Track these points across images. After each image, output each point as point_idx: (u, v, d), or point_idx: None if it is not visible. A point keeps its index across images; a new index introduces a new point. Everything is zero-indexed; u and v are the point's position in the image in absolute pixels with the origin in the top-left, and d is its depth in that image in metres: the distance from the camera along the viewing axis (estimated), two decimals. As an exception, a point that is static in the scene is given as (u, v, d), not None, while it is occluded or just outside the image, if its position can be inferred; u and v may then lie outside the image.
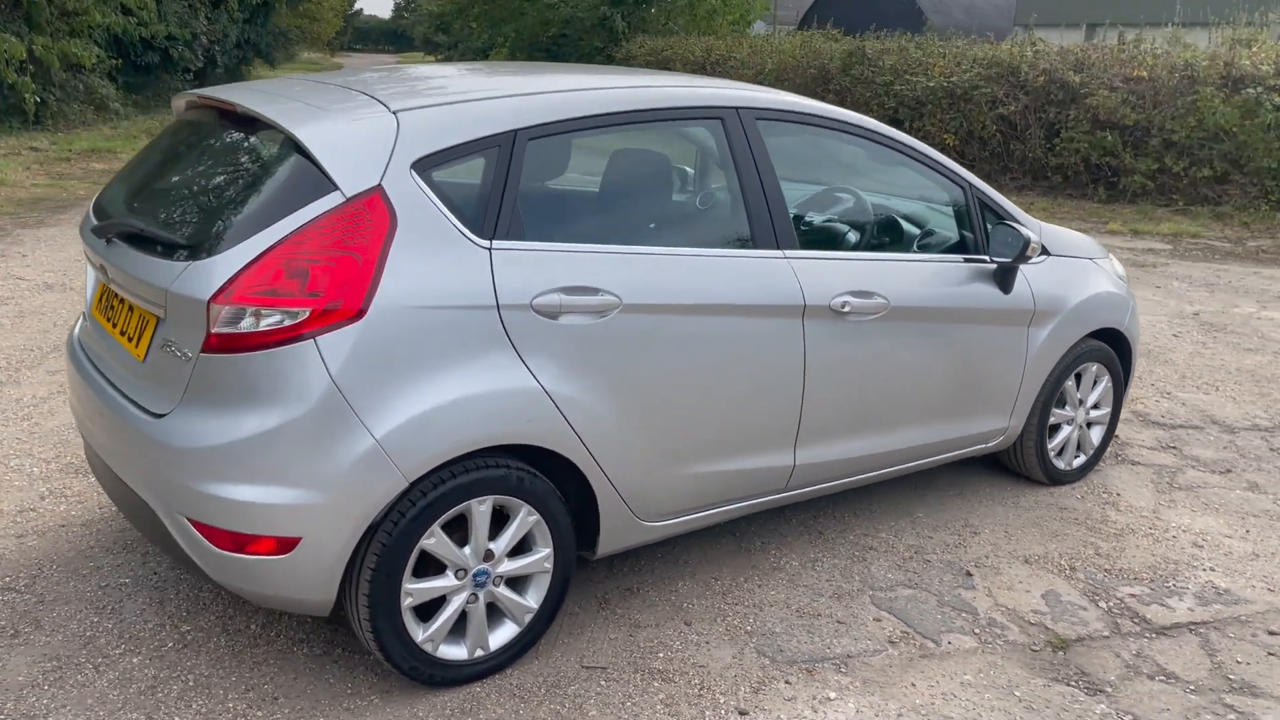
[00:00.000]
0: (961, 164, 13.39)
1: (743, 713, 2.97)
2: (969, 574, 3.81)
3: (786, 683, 3.12)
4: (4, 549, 3.71)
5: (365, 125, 2.88)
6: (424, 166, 2.87)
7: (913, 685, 3.14)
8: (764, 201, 3.46)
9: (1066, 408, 4.50)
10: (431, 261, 2.81)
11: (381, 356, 2.73)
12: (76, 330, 3.57)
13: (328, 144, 2.80)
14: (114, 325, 3.16)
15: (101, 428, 3.12)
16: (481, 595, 3.03)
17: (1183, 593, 3.74)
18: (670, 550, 3.87)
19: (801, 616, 3.48)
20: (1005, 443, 4.36)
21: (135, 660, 3.12)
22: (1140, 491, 4.60)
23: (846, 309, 3.55)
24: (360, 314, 2.70)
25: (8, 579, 3.52)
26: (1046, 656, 3.32)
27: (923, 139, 13.55)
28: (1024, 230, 3.86)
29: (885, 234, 4.04)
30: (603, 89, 3.33)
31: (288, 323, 2.66)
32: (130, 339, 3.04)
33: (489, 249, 2.91)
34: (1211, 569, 3.91)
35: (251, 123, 3.11)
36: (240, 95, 3.18)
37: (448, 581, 2.97)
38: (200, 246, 2.78)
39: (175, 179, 3.26)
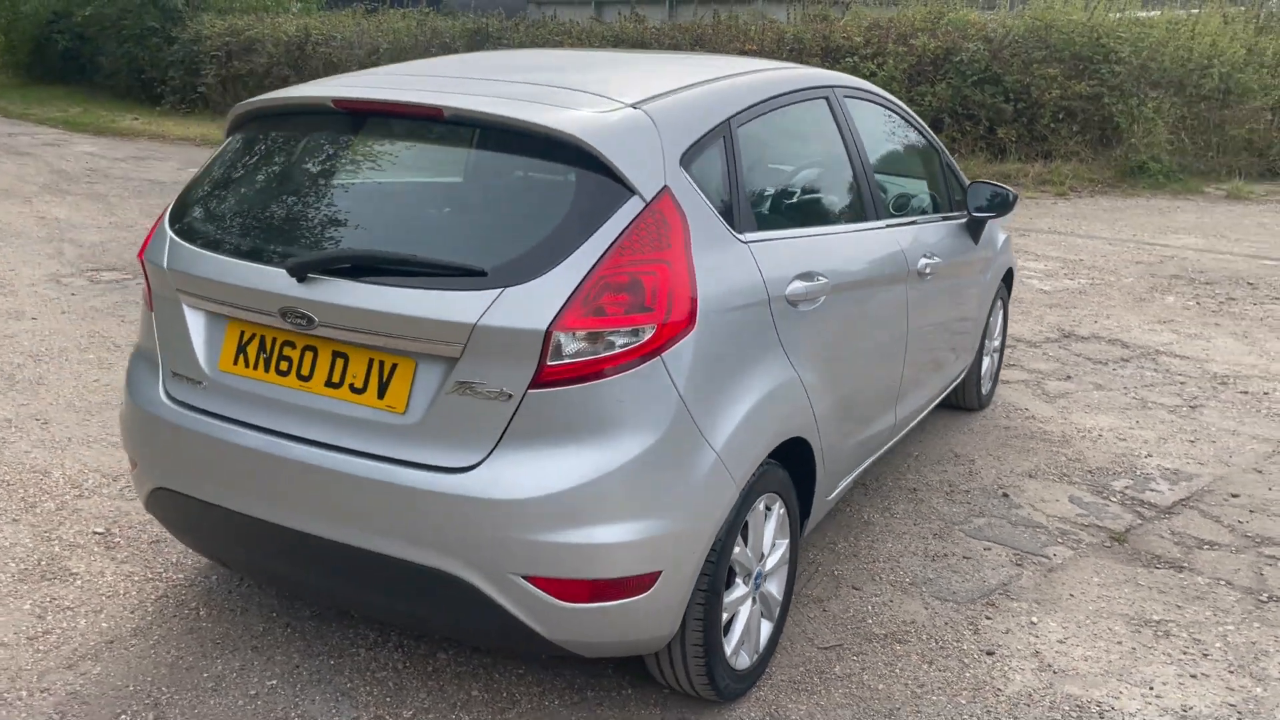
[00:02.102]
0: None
1: (989, 652, 3.21)
2: (1006, 495, 4.31)
3: (986, 619, 3.39)
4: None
5: (629, 122, 2.67)
6: (686, 162, 2.73)
7: (1071, 596, 3.55)
8: (865, 174, 3.65)
9: (987, 339, 5.15)
10: (716, 260, 2.70)
11: (708, 365, 2.61)
12: (168, 392, 2.88)
13: (616, 145, 2.57)
14: (301, 378, 2.65)
15: (304, 494, 2.61)
16: (755, 597, 2.98)
17: (1151, 478, 4.51)
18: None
19: (935, 560, 3.76)
20: (961, 377, 4.91)
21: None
22: (1035, 404, 5.38)
23: (927, 271, 3.85)
24: (691, 324, 2.55)
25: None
26: (1120, 549, 3.89)
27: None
28: (1003, 187, 4.38)
29: (905, 198, 4.38)
30: (760, 71, 3.33)
31: (634, 343, 2.45)
32: (355, 389, 2.58)
33: (747, 243, 2.84)
34: (1148, 456, 4.74)
35: (446, 123, 2.71)
36: (444, 96, 2.74)
37: (743, 589, 2.89)
38: (504, 271, 2.44)
39: (375, 195, 2.78)
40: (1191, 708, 2.96)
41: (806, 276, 3.02)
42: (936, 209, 4.38)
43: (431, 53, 15.69)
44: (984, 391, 5.20)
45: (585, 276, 2.42)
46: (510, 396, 2.43)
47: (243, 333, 2.76)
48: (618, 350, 2.43)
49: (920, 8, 14.30)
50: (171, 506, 2.93)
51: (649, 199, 2.56)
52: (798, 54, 13.59)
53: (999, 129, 13.04)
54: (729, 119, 2.95)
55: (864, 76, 13.08)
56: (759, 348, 2.81)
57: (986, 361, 5.18)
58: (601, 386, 2.43)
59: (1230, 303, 7.40)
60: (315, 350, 2.64)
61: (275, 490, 2.67)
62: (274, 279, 2.61)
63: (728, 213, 2.82)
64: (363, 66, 15.74)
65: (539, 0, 30.64)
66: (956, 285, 4.35)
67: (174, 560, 3.61)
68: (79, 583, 3.46)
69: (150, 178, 11.99)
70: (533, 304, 2.40)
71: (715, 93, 3.00)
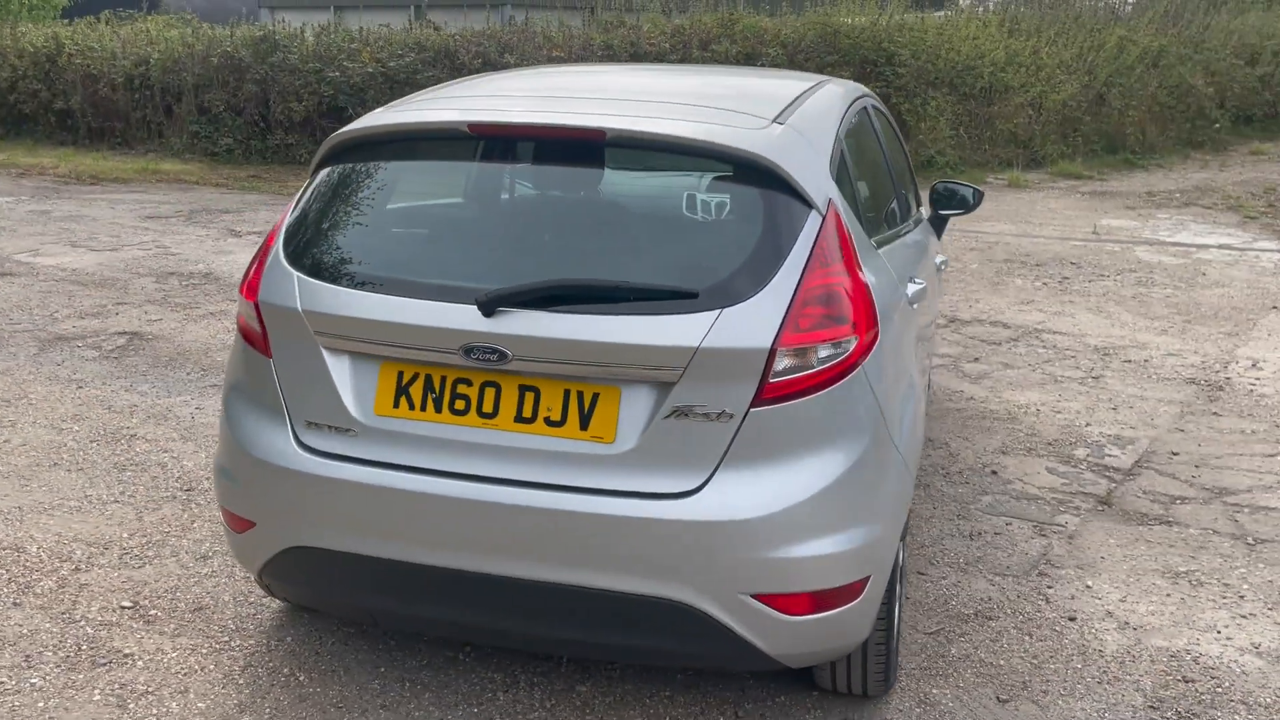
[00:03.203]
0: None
1: (1071, 618, 3.48)
2: (995, 473, 4.63)
3: (1049, 588, 3.67)
4: None
5: (791, 138, 2.72)
6: (831, 173, 2.81)
7: (1102, 559, 3.89)
8: (894, 180, 3.84)
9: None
10: (871, 267, 2.80)
11: (887, 371, 2.70)
12: (302, 442, 2.66)
13: (791, 161, 2.61)
14: (484, 415, 2.54)
15: (500, 535, 2.50)
16: (897, 591, 3.10)
17: (1102, 445, 4.96)
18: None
19: (973, 539, 4.00)
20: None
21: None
22: (964, 385, 5.79)
23: (942, 267, 4.09)
24: (877, 332, 2.63)
25: None
26: (1112, 512, 4.28)
27: (375, 124, 13.60)
28: (967, 185, 4.70)
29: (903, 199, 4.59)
30: (822, 84, 3.42)
31: (840, 355, 2.51)
32: (551, 422, 2.50)
33: (878, 249, 2.96)
34: (1088, 425, 5.21)
35: (604, 144, 2.66)
36: (597, 118, 2.67)
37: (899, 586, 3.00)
38: (715, 292, 2.44)
39: (537, 221, 2.67)
40: (1259, 644, 3.32)
41: (913, 280, 3.17)
42: (910, 209, 4.64)
43: (211, 63, 14.78)
44: (930, 379, 5.54)
45: (794, 292, 2.46)
46: (731, 417, 2.43)
47: (401, 374, 2.60)
48: (830, 364, 2.48)
49: (712, 15, 14.81)
50: (309, 565, 2.71)
51: (824, 212, 2.62)
52: (609, 60, 13.76)
53: (802, 129, 13.71)
54: (838, 132, 3.04)
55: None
56: (907, 350, 2.93)
57: (927, 350, 5.52)
58: (816, 400, 2.47)
59: (1067, 282, 8.17)
60: (498, 386, 2.53)
61: (461, 534, 2.54)
62: (454, 315, 2.49)
63: (860, 222, 2.92)
64: (130, 78, 14.62)
65: (271, 5, 29.44)
66: (936, 278, 4.63)
67: (232, 627, 3.32)
68: (141, 664, 3.12)
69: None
70: (753, 323, 2.42)
71: (819, 107, 3.09)
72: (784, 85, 3.29)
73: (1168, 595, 3.61)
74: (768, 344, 2.40)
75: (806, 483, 2.46)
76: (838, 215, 2.67)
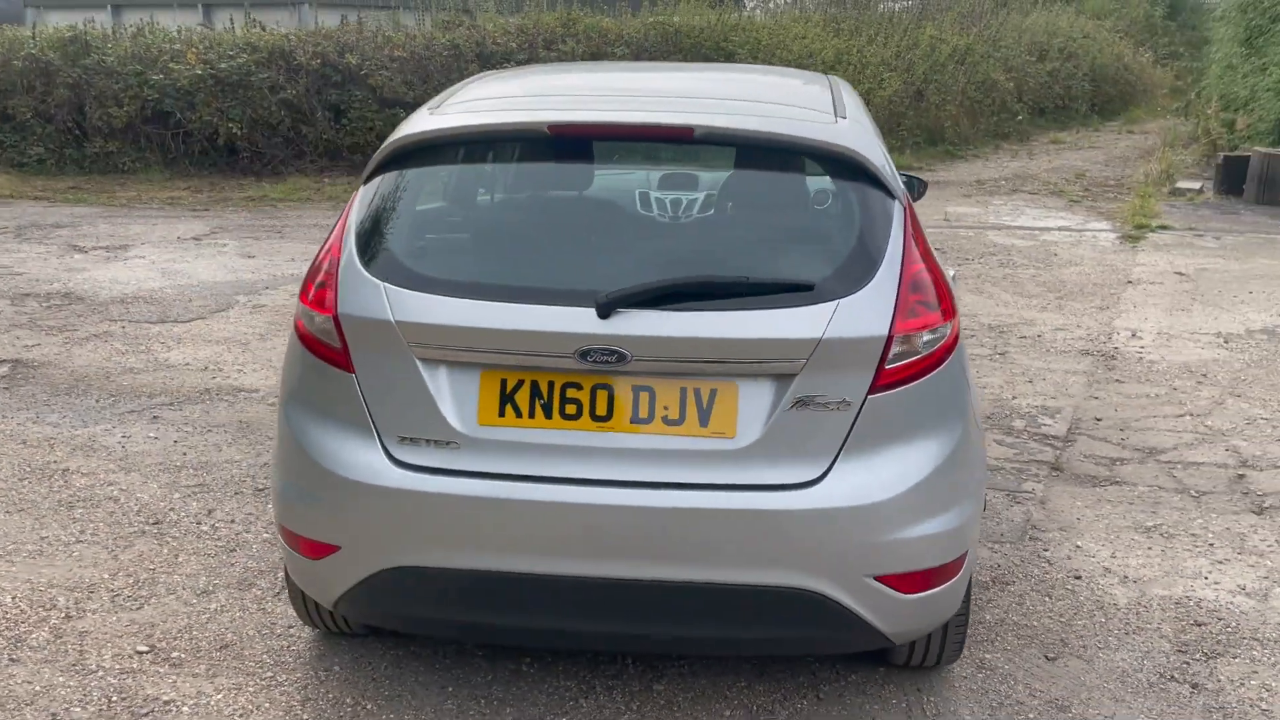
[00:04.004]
0: (253, 152, 13.19)
1: (1077, 577, 3.71)
2: (952, 448, 4.87)
3: (1045, 551, 3.90)
4: None
5: (862, 132, 2.80)
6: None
7: (1078, 520, 4.17)
8: None
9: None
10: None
11: (964, 353, 2.82)
12: (395, 458, 2.55)
13: (872, 154, 2.69)
14: (597, 419, 2.50)
15: (621, 538, 2.49)
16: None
17: (1035, 416, 5.30)
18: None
19: (960, 510, 4.21)
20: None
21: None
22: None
23: None
24: (958, 317, 2.75)
25: None
26: (1066, 475, 4.60)
27: (204, 129, 12.98)
28: (914, 175, 4.92)
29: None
30: (827, 76, 3.51)
31: (939, 339, 2.62)
32: (669, 421, 2.50)
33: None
34: (1015, 399, 5.55)
35: (692, 142, 2.67)
36: (682, 116, 2.66)
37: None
38: (829, 283, 2.50)
39: (633, 219, 2.62)
40: (1245, 585, 3.65)
41: (950, 264, 3.31)
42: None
43: (14, 67, 13.65)
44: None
45: (899, 281, 2.55)
46: (850, 405, 2.49)
47: (504, 382, 2.53)
48: (932, 350, 2.57)
49: (552, 14, 14.81)
50: (405, 586, 2.60)
51: (904, 203, 2.72)
52: (455, 59, 13.54)
53: (650, 127, 13.89)
54: (874, 124, 3.15)
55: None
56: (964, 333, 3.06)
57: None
58: (922, 385, 2.57)
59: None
60: (610, 388, 2.50)
61: (580, 540, 2.50)
62: (568, 318, 2.44)
63: None
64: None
65: (36, 4, 27.49)
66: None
67: (269, 661, 3.14)
68: (187, 709, 2.91)
69: None
70: (869, 312, 2.49)
71: (853, 101, 3.18)
72: (806, 81, 3.37)
73: (1149, 549, 3.91)
74: (884, 332, 2.48)
75: (919, 465, 2.55)
76: (910, 205, 2.77)
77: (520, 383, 2.52)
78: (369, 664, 3.13)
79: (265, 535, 3.90)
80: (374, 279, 2.57)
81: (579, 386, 2.51)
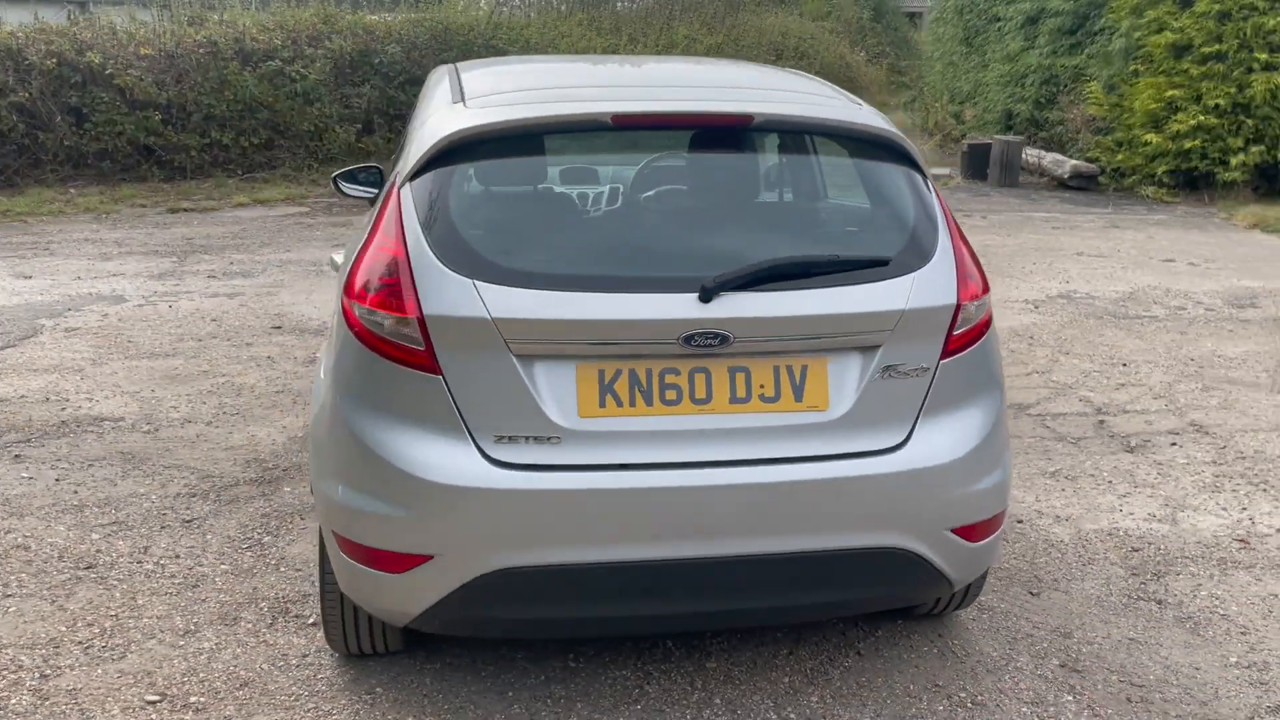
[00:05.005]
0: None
1: (1019, 520, 4.08)
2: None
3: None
4: None
5: (884, 119, 2.97)
6: None
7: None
8: None
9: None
10: None
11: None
12: (492, 458, 2.48)
13: (909, 139, 2.87)
14: (697, 402, 2.55)
15: (728, 517, 2.55)
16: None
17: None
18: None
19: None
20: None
21: None
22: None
23: None
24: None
25: None
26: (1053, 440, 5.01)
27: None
28: None
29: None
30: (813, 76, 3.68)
31: (984, 310, 2.84)
32: (766, 399, 2.58)
33: None
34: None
35: (751, 129, 2.75)
36: (741, 105, 2.71)
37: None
38: (902, 258, 2.66)
39: (702, 204, 2.64)
40: (1153, 513, 4.15)
41: None
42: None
43: None
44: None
45: (954, 254, 2.75)
46: (926, 370, 2.67)
47: (602, 373, 2.52)
48: (981, 317, 2.79)
49: (308, 9, 14.22)
50: (507, 588, 2.53)
51: (932, 184, 2.92)
52: (213, 58, 12.70)
53: (427, 127, 13.64)
54: None
55: (294, 80, 12.79)
56: None
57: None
58: (976, 350, 2.78)
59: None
60: (707, 371, 2.55)
61: (687, 523, 2.53)
62: (672, 305, 2.47)
63: None
64: None
65: None
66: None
67: (303, 692, 2.95)
68: (240, 755, 2.69)
69: None
70: (938, 283, 2.67)
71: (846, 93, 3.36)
72: (791, 73, 3.51)
73: (1063, 491, 4.35)
74: (953, 300, 2.66)
75: (980, 424, 2.76)
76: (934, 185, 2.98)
77: (619, 372, 2.52)
78: (411, 681, 3.00)
79: (224, 567, 3.62)
80: (461, 277, 2.48)
81: (677, 372, 2.53)
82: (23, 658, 3.07)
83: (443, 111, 2.80)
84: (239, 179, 12.77)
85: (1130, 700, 2.97)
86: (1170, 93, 11.55)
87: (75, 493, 4.20)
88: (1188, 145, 11.49)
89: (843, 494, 2.58)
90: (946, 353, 2.68)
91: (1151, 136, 11.68)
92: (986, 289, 2.81)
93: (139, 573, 3.58)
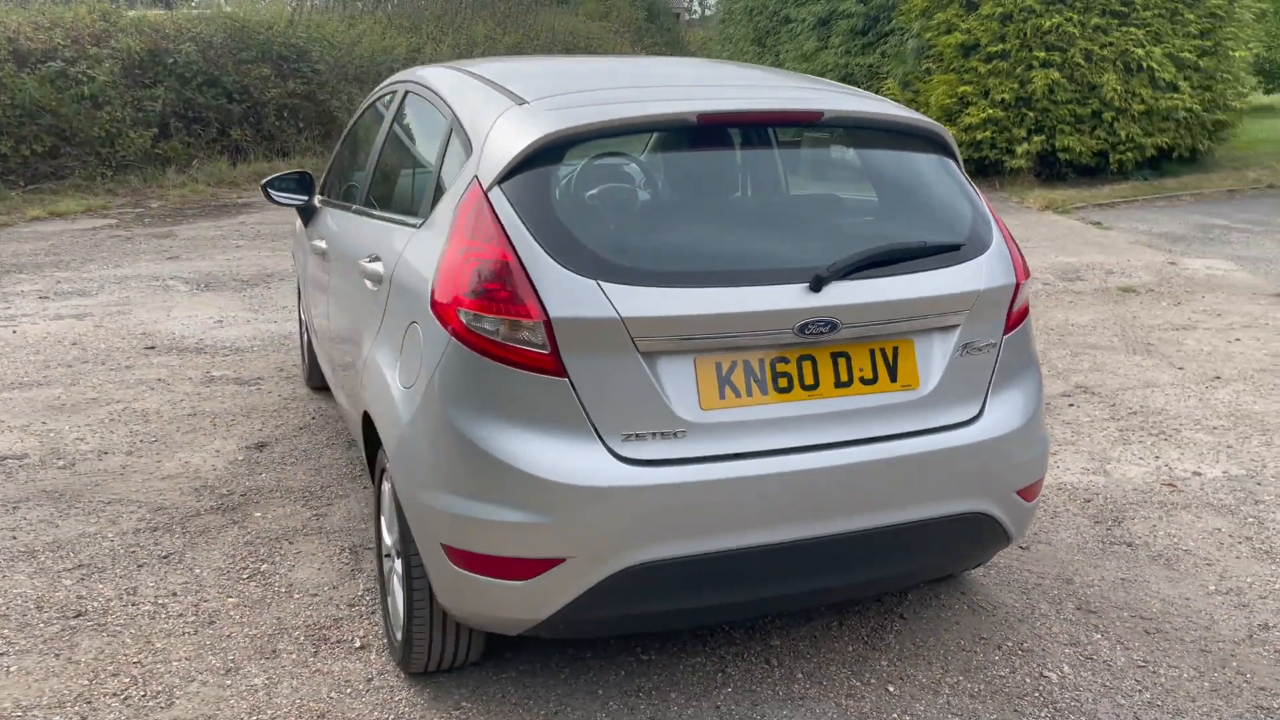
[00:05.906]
0: None
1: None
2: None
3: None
4: None
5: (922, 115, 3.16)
6: None
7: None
8: None
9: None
10: None
11: None
12: (621, 456, 2.49)
13: (950, 135, 3.08)
14: (806, 388, 2.65)
15: (841, 496, 2.67)
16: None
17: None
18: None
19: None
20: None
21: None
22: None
23: None
24: (1025, 270, 3.23)
25: None
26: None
27: None
28: None
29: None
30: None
31: (1028, 290, 3.08)
32: (865, 381, 2.72)
33: None
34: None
35: (820, 125, 2.86)
36: (811, 102, 2.80)
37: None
38: (971, 242, 2.86)
39: (789, 194, 2.70)
40: (1087, 467, 4.56)
41: None
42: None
43: None
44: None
45: (1005, 238, 2.98)
46: (993, 346, 2.88)
47: (719, 365, 2.58)
48: (1025, 296, 3.03)
49: (84, 6, 13.20)
50: (639, 583, 2.55)
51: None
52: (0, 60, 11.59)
53: (231, 130, 12.97)
54: None
55: (80, 83, 11.85)
56: None
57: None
58: (1025, 326, 3.02)
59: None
60: (813, 358, 2.65)
61: (803, 505, 2.63)
62: (786, 295, 2.56)
63: None
64: None
65: None
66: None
67: (383, 717, 2.84)
68: (357, 786, 2.57)
69: None
70: (1000, 264, 2.88)
71: None
72: (801, 75, 3.65)
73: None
74: (1014, 280, 2.88)
75: (1034, 393, 3.00)
76: (966, 174, 3.21)
77: (734, 364, 2.58)
78: (494, 691, 2.94)
79: (232, 600, 3.41)
80: (583, 278, 2.46)
81: (786, 360, 2.62)
82: (54, 718, 2.80)
83: (511, 113, 2.75)
84: (22, 191, 11.71)
85: (1149, 633, 3.30)
86: (962, 89, 12.52)
87: (14, 539, 3.82)
88: (979, 136, 12.49)
89: (934, 465, 2.75)
90: (1008, 328, 2.90)
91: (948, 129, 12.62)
92: (1027, 273, 3.05)
93: (140, 615, 3.31)
